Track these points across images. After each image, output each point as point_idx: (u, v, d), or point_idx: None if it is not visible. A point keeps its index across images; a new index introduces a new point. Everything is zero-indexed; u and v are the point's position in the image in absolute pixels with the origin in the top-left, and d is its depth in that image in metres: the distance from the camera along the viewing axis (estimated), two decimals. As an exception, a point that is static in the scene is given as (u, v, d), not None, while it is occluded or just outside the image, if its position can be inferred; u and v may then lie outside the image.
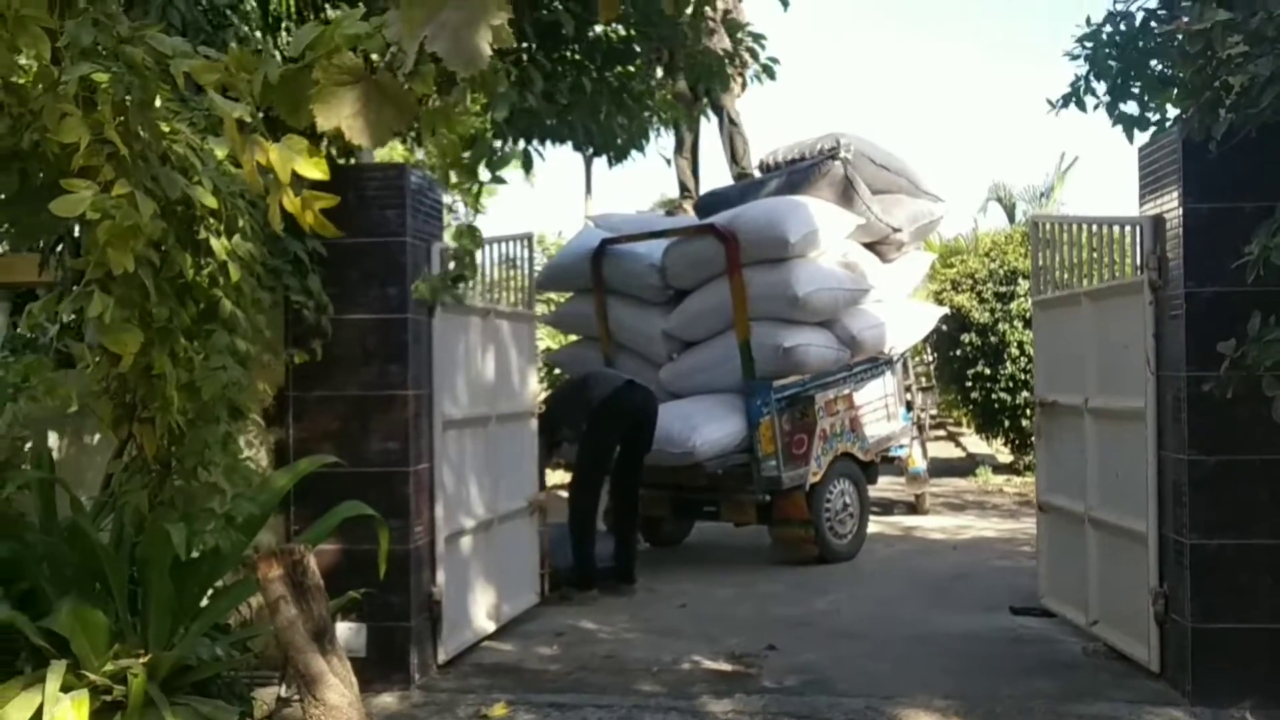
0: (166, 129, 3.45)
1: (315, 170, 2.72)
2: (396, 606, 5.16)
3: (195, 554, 3.78)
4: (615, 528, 7.73)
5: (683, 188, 10.88)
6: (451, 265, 4.73)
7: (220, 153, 3.76)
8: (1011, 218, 19.94)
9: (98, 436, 5.08)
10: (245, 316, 3.92)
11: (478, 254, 4.85)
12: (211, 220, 3.64)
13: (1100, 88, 5.47)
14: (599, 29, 6.85)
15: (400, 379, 5.23)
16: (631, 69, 7.22)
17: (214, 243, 3.66)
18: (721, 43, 7.79)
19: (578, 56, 6.69)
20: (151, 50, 2.93)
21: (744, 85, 8.82)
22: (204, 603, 4.21)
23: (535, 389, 7.00)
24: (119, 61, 2.90)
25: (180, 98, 3.73)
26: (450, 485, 5.64)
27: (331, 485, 4.86)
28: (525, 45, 5.97)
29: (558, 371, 10.89)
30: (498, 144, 5.88)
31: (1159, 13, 5.04)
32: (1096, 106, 5.51)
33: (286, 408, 5.26)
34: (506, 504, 6.38)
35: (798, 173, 8.80)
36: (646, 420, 7.49)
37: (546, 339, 12.62)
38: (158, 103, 3.24)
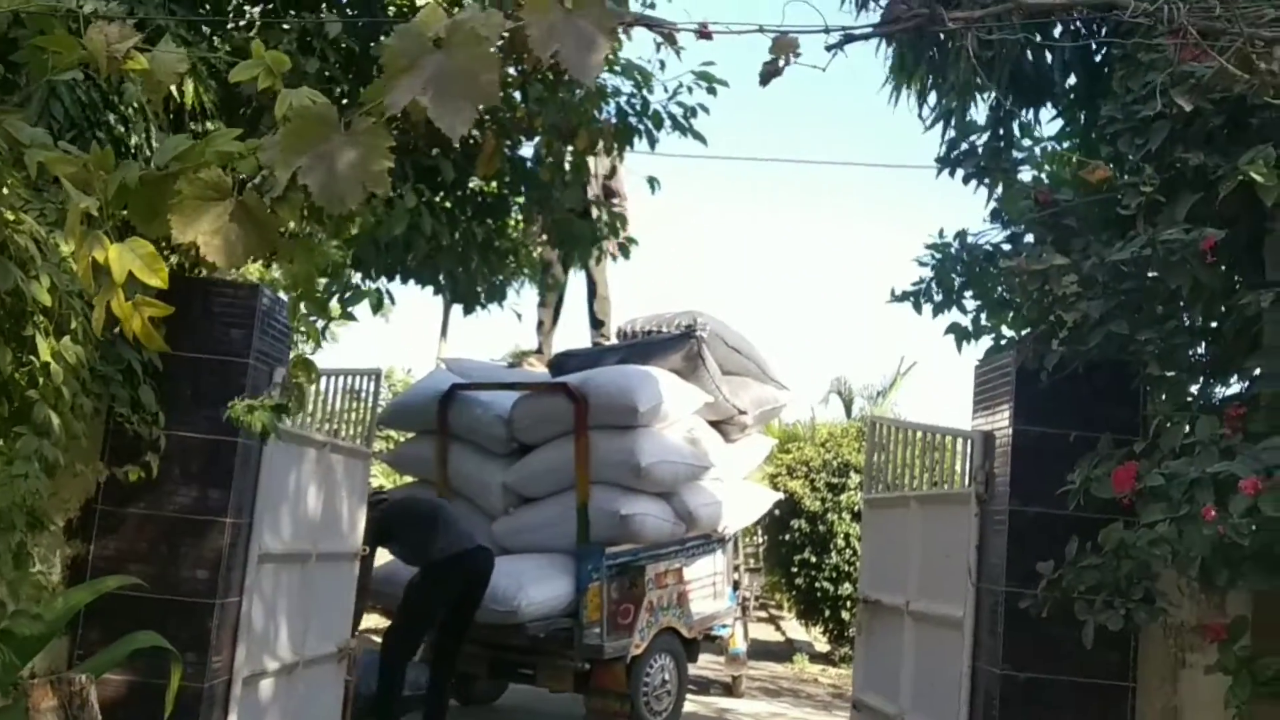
0: (11, 217, 3.29)
1: (154, 278, 2.59)
2: (179, 750, 4.78)
3: (-41, 672, 3.45)
4: (429, 684, 7.39)
5: (539, 344, 10.93)
6: (278, 393, 4.57)
7: (65, 249, 3.60)
8: (849, 412, 20.62)
9: None
10: (61, 423, 3.69)
11: (318, 384, 4.70)
12: (42, 318, 3.45)
13: (938, 294, 5.76)
14: (476, 182, 6.93)
15: (220, 505, 4.97)
16: (501, 223, 7.31)
17: (40, 342, 3.46)
18: (594, 210, 7.97)
19: (449, 204, 6.73)
20: (8, 136, 2.80)
21: (613, 256, 9.01)
22: (-41, 728, 3.82)
23: (362, 529, 6.75)
24: (-30, 145, 2.77)
25: (35, 188, 3.57)
26: (258, 623, 5.33)
27: (129, 609, 4.55)
28: (406, 185, 5.99)
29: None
30: (355, 278, 5.84)
31: (1003, 247, 5.37)
32: (928, 305, 5.77)
33: (92, 521, 4.93)
34: (315, 648, 6.05)
35: (654, 344, 8.95)
36: (483, 584, 7.29)
37: (380, 476, 12.29)
38: (4, 190, 3.09)
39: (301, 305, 3.00)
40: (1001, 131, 5.46)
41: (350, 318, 3.37)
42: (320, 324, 3.26)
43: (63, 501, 4.57)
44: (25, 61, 3.66)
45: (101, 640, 4.46)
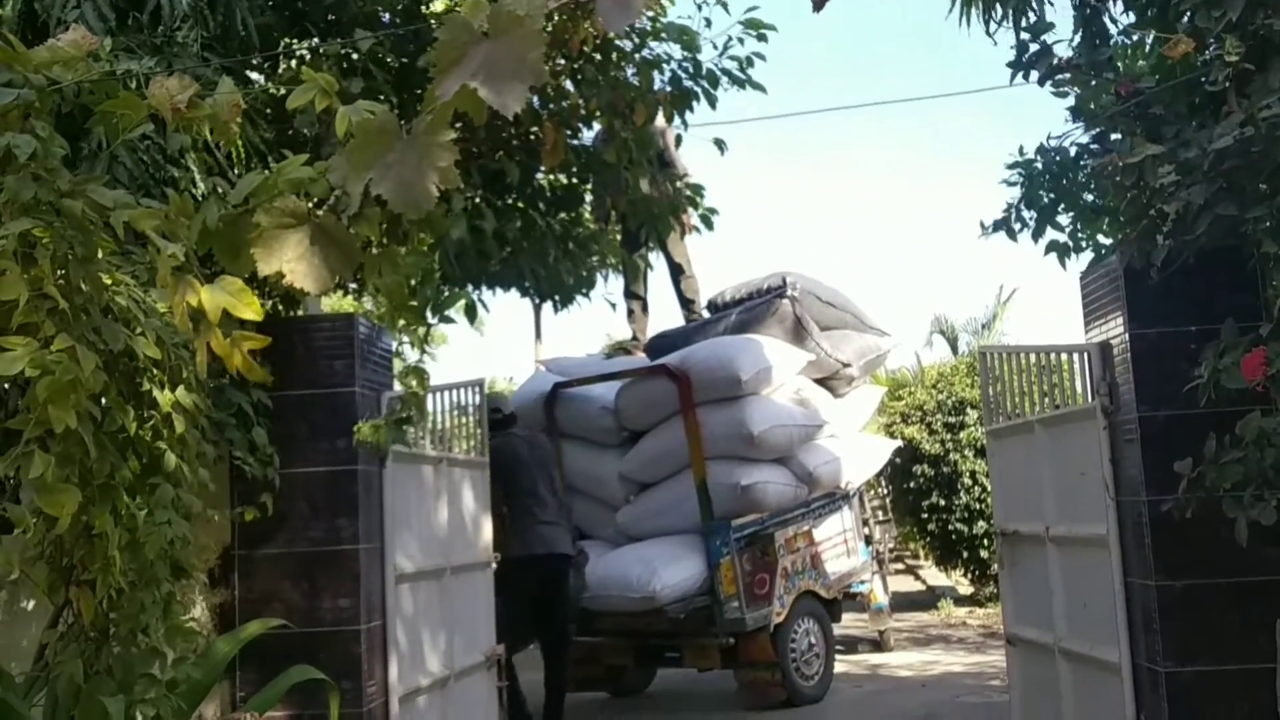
0: (109, 281, 3.38)
1: (248, 311, 2.64)
2: (349, 774, 4.89)
3: (133, 726, 3.55)
4: (545, 684, 7.39)
5: (633, 333, 10.91)
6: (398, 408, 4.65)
7: (163, 305, 3.69)
8: (955, 349, 20.20)
9: (32, 603, 4.84)
10: (189, 470, 3.79)
11: (428, 399, 4.77)
12: (155, 372, 3.54)
13: (1030, 216, 5.59)
14: (543, 176, 6.93)
15: (351, 533, 5.07)
16: (576, 215, 7.30)
17: (157, 395, 3.55)
18: (664, 188, 7.90)
19: (521, 204, 6.74)
20: (92, 203, 2.87)
21: (684, 232, 8.93)
22: (141, 780, 3.95)
23: (490, 538, 6.82)
24: (59, 216, 2.85)
25: (123, 251, 3.67)
26: (404, 642, 5.42)
27: (279, 646, 4.65)
28: (472, 190, 6.02)
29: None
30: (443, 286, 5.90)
31: (1091, 147, 5.18)
32: (1022, 230, 5.61)
33: (232, 567, 5.07)
34: (463, 659, 6.14)
35: (746, 311, 8.87)
36: (556, 585, 7.29)
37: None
38: (99, 255, 3.17)
39: (398, 317, 3.04)
40: (1072, 28, 5.26)
41: (449, 320, 3.41)
42: (421, 331, 3.29)
43: (202, 549, 4.69)
44: (95, 128, 3.76)
45: (259, 679, 4.59)
